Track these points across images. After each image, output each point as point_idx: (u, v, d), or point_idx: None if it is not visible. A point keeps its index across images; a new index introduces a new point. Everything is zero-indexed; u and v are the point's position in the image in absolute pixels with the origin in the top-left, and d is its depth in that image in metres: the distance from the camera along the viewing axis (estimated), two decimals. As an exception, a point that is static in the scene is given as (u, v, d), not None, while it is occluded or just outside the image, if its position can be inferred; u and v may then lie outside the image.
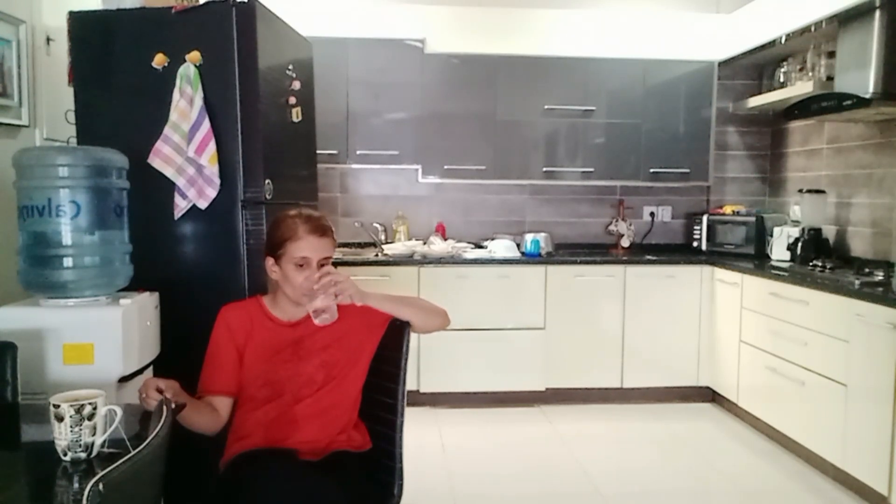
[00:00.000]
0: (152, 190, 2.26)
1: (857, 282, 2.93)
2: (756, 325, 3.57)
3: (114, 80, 2.34)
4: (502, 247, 4.09)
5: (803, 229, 3.78)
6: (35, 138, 2.66)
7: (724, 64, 4.30)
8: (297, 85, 2.66)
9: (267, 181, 2.35)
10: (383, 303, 1.84)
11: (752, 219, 4.14)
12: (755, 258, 4.02)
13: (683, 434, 3.66)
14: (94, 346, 1.87)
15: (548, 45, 4.17)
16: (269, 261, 1.81)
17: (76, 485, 1.21)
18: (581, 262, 4.03)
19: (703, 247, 4.34)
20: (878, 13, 3.12)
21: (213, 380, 1.78)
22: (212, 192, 2.25)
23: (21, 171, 1.94)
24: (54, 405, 1.27)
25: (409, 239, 4.33)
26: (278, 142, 2.53)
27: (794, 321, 3.21)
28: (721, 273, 3.94)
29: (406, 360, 1.84)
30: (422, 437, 3.50)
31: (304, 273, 1.75)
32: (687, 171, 4.31)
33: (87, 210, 1.94)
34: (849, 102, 3.20)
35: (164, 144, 2.24)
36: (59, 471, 1.26)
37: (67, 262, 1.93)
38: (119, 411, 1.32)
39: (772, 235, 4.02)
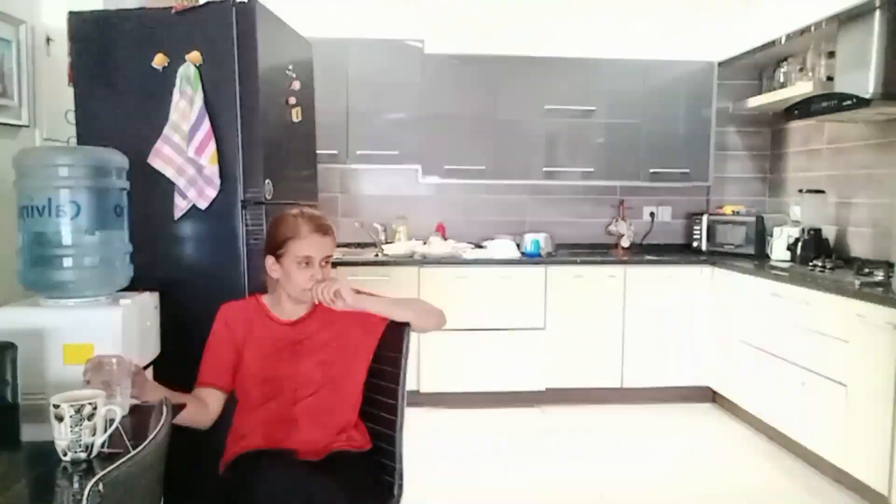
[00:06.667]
0: (152, 190, 2.26)
1: (857, 282, 2.93)
2: (756, 325, 3.57)
3: (114, 80, 2.33)
4: (502, 247, 4.09)
5: (803, 229, 3.78)
6: (35, 138, 2.66)
7: (724, 64, 4.30)
8: (297, 85, 2.66)
9: (267, 181, 2.35)
10: (375, 305, 1.84)
11: (752, 219, 4.14)
12: (755, 258, 4.02)
13: (683, 434, 3.66)
14: (94, 347, 1.86)
15: (548, 45, 4.17)
16: (270, 259, 1.82)
17: (76, 485, 1.21)
18: (581, 263, 4.03)
19: (703, 247, 4.34)
20: (878, 13, 3.12)
21: (207, 371, 1.80)
22: (212, 192, 2.25)
23: (21, 171, 1.94)
24: (54, 405, 1.27)
25: (409, 239, 4.33)
26: (278, 142, 2.53)
27: (795, 321, 3.21)
28: (721, 273, 3.94)
29: (406, 360, 1.84)
30: (422, 437, 3.50)
31: (307, 272, 1.76)
32: (687, 171, 4.31)
33: (87, 210, 1.94)
34: (849, 102, 3.20)
35: (165, 144, 2.24)
36: (59, 471, 1.26)
37: (67, 262, 1.93)
38: (119, 411, 1.32)
39: (772, 235, 4.02)
